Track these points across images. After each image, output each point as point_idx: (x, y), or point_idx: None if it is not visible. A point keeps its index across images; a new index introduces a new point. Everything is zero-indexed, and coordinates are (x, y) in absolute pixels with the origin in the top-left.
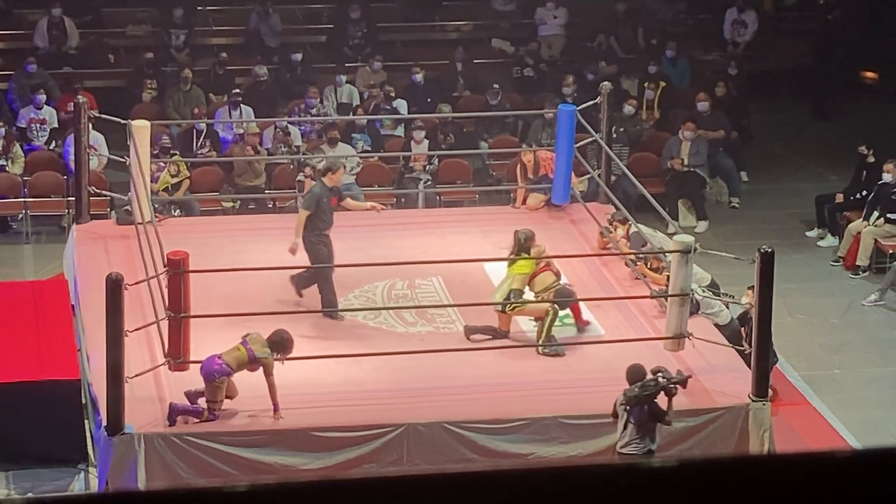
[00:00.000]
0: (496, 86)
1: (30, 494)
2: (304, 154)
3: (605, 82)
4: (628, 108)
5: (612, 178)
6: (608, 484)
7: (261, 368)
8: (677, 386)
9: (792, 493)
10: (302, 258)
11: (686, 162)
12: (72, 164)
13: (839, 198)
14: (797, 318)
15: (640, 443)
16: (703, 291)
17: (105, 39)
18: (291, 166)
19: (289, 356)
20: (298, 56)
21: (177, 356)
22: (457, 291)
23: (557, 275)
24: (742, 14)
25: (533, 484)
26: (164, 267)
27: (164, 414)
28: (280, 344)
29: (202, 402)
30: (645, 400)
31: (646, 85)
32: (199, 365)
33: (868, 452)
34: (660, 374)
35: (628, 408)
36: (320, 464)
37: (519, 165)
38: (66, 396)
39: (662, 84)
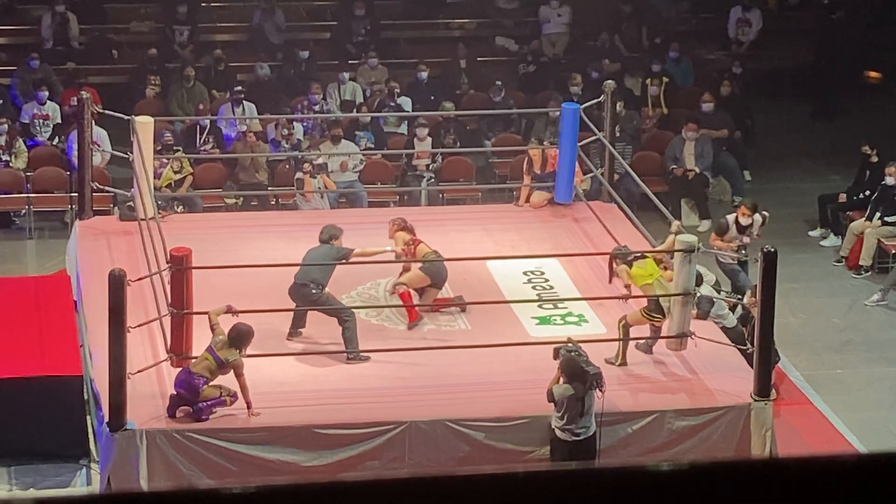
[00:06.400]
0: (499, 82)
1: (32, 490)
2: (304, 150)
3: (609, 81)
4: (619, 108)
5: (616, 176)
6: (616, 486)
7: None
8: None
9: (799, 498)
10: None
11: (692, 165)
12: (75, 160)
13: (842, 197)
14: (799, 318)
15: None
16: (719, 292)
17: (109, 35)
18: (287, 166)
19: (264, 353)
20: (305, 54)
21: (179, 352)
22: (459, 289)
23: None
24: (747, 13)
25: (538, 486)
26: (167, 263)
27: (167, 409)
28: (240, 339)
29: (208, 394)
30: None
31: (648, 82)
32: (175, 382)
33: (873, 457)
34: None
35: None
36: (322, 461)
37: (526, 160)
38: (69, 392)
39: (665, 80)
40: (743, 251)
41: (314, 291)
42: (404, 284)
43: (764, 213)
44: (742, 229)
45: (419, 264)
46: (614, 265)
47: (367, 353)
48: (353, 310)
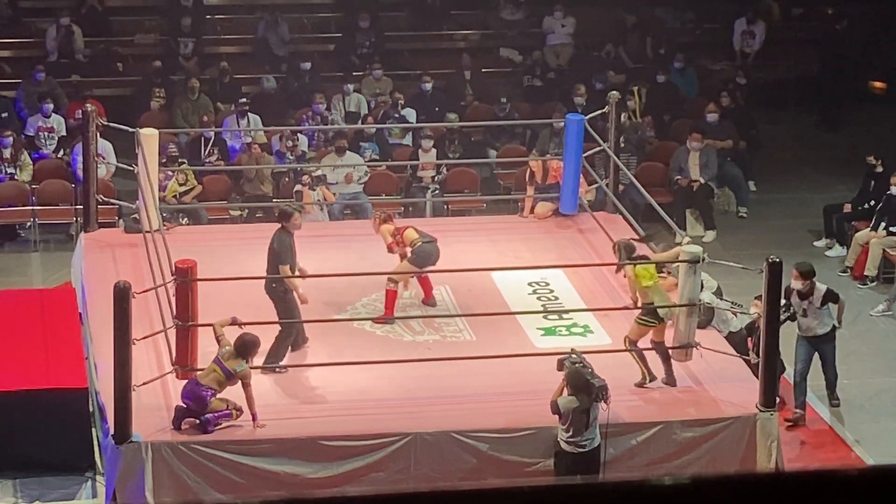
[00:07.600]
0: (504, 100)
1: (37, 502)
2: (307, 162)
3: (614, 91)
4: (623, 118)
5: (620, 187)
6: (620, 500)
7: (240, 381)
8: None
9: None
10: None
11: (696, 176)
12: (80, 173)
13: (847, 208)
14: None
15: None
16: (720, 301)
17: (113, 48)
18: (286, 179)
19: (268, 365)
20: (308, 65)
21: (184, 364)
22: (464, 300)
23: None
24: (751, 25)
25: (542, 500)
26: (172, 275)
27: (172, 421)
28: (246, 349)
29: (215, 406)
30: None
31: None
32: (182, 393)
33: (879, 469)
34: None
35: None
36: (327, 473)
37: (527, 171)
38: (74, 404)
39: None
40: (800, 318)
41: (274, 286)
42: (394, 281)
43: (842, 300)
44: (802, 295)
45: (408, 254)
46: (616, 255)
47: (285, 367)
48: (361, 321)
